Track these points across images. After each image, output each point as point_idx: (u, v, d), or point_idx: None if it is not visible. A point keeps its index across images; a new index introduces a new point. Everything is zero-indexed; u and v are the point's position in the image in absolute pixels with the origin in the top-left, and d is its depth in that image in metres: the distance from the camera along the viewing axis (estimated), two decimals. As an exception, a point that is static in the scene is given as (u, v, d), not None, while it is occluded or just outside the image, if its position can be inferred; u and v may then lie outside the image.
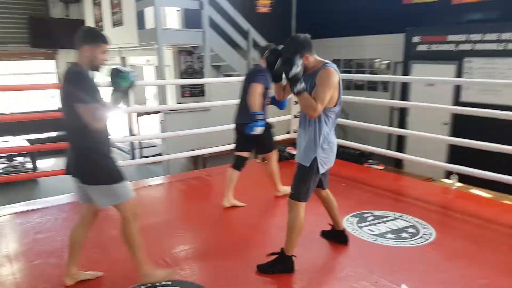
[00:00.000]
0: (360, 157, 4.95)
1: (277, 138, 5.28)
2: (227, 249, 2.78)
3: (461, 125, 5.35)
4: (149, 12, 6.55)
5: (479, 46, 5.23)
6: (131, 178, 4.71)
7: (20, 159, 7.18)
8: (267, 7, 8.45)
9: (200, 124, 5.14)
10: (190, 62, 7.96)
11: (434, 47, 5.70)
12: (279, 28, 8.46)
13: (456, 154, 5.18)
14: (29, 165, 7.09)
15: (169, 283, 2.39)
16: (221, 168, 4.94)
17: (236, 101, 4.97)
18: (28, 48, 8.75)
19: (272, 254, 2.54)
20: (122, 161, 5.70)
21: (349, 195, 3.92)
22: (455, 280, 2.46)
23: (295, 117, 5.26)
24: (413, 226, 3.22)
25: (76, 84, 2.10)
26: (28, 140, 7.72)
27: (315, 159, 2.41)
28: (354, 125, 5.06)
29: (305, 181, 2.45)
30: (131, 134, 7.83)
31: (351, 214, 3.40)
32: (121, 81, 2.17)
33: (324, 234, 2.96)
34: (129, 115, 7.80)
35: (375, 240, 2.95)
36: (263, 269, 2.51)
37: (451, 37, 5.50)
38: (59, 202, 3.75)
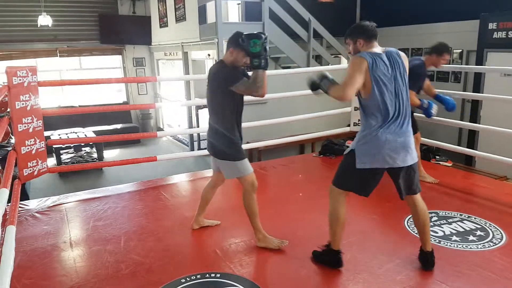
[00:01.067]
0: (427, 153, 4.61)
1: (337, 131, 5.15)
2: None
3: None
4: (210, 6, 6.63)
5: None
6: (189, 169, 4.89)
7: (87, 149, 7.70)
8: (331, -4, 8.19)
9: (257, 116, 5.11)
10: (249, 55, 7.94)
11: (513, 34, 5.13)
12: (342, 17, 8.15)
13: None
14: (95, 155, 7.56)
15: (218, 275, 2.39)
16: (276, 162, 4.89)
17: (294, 93, 4.91)
18: (98, 44, 9.32)
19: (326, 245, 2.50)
20: (180, 153, 5.94)
21: (412, 193, 3.66)
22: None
23: (356, 109, 5.03)
24: (482, 229, 2.94)
25: (225, 74, 2.53)
26: (95, 132, 8.25)
27: (353, 150, 2.32)
28: (421, 119, 4.71)
29: (341, 167, 2.43)
30: (191, 126, 8.03)
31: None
32: (252, 47, 2.38)
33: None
34: (189, 108, 8.00)
35: (439, 243, 2.73)
36: (314, 256, 2.55)
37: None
38: (119, 191, 3.91)
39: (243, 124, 4.67)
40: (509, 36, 5.20)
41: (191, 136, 7.91)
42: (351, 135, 5.31)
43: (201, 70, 8.55)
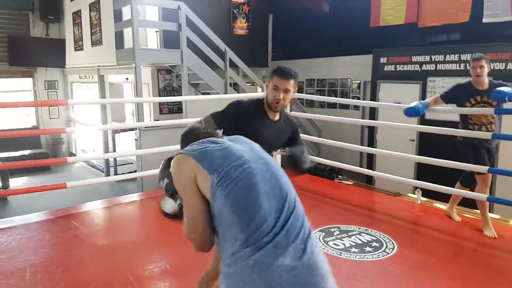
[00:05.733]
0: (331, 173, 5.07)
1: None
2: (199, 266, 2.80)
3: (426, 141, 5.56)
4: (128, 32, 6.66)
5: (441, 66, 5.50)
6: (104, 197, 4.75)
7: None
8: (244, 29, 8.70)
9: (177, 140, 5.15)
10: (169, 80, 8.06)
11: (400, 68, 5.95)
12: (255, 49, 8.68)
13: (423, 169, 5.34)
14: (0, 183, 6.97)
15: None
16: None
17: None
18: (6, 66, 8.72)
19: None
20: (93, 179, 5.68)
21: (318, 209, 3.99)
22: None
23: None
24: (377, 240, 3.31)
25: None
26: (0, 158, 7.61)
27: None
28: (326, 143, 5.17)
29: None
30: (106, 151, 7.77)
31: (318, 229, 3.46)
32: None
33: None
34: (105, 133, 7.76)
35: (340, 254, 3.02)
36: None
37: (415, 58, 5.77)
38: (25, 221, 3.69)
39: (163, 148, 4.74)
40: (397, 69, 6.01)
41: (107, 161, 7.65)
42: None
43: (119, 94, 8.42)
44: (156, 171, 4.75)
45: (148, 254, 3.05)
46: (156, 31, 7.67)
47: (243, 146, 1.42)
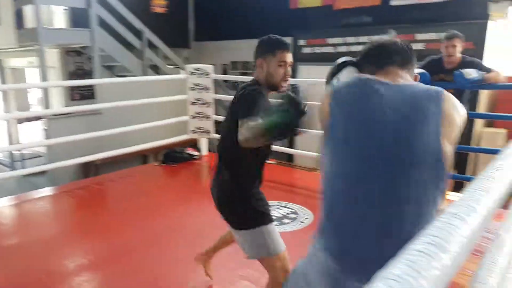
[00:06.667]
0: (254, 154, 5.14)
1: (175, 139, 5.24)
2: (118, 258, 2.68)
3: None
4: (30, 10, 6.04)
5: (354, 48, 5.78)
6: (11, 193, 4.29)
7: None
8: (163, 7, 8.31)
9: (91, 128, 4.85)
10: (80, 63, 7.51)
11: (317, 50, 6.17)
12: (176, 29, 8.39)
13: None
14: None
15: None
16: (115, 175, 4.73)
17: (131, 102, 4.81)
18: None
19: None
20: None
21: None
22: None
23: (193, 118, 5.21)
24: (295, 212, 3.47)
25: (243, 101, 1.70)
26: None
27: None
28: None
29: None
30: (11, 143, 7.05)
31: (241, 208, 3.53)
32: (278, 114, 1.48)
33: None
34: (8, 123, 7.03)
35: (261, 229, 3.12)
36: None
37: (330, 40, 6.02)
38: None
39: (75, 136, 4.42)
40: (314, 52, 6.22)
41: (11, 155, 6.94)
42: (190, 142, 5.52)
43: (22, 80, 7.66)
44: (68, 163, 4.41)
45: (63, 250, 2.82)
46: (65, 9, 7.07)
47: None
